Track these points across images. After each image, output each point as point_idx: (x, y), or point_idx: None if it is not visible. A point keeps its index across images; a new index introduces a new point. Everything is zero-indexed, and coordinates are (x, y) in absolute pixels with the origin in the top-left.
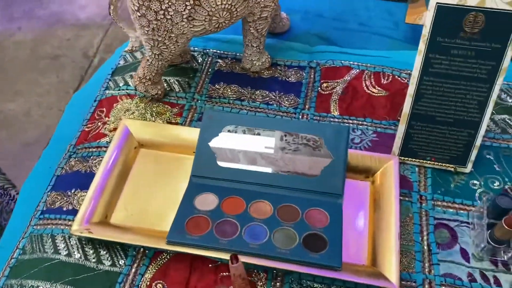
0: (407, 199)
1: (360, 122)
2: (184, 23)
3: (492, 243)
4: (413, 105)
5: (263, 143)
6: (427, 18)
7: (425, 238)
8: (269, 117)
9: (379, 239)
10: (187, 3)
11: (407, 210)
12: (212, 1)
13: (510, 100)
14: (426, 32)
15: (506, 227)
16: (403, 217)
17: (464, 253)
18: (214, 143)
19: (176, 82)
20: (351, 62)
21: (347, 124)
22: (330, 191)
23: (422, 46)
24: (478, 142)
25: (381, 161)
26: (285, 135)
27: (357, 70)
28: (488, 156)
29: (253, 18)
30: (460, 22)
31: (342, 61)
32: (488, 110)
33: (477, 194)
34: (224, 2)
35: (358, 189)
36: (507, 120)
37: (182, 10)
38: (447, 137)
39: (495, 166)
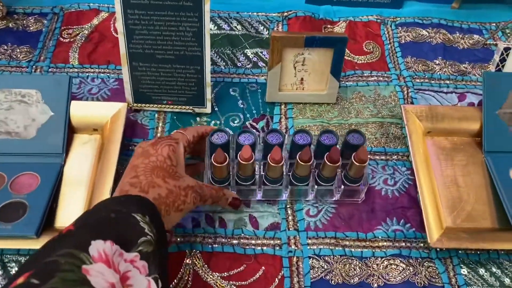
0: None
1: (102, 70)
2: None
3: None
4: (128, 44)
5: None
6: None
7: None
8: None
9: (96, 191)
10: None
11: None
12: None
13: (266, 33)
14: None
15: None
16: None
17: None
18: None
19: None
20: (100, 5)
21: (68, 74)
22: (49, 151)
23: None
24: (208, 78)
25: (109, 111)
26: None
27: (107, 13)
28: (233, 93)
29: None
30: None
31: (90, 4)
32: (207, 41)
33: None
34: None
35: (88, 144)
36: (260, 54)
37: None
38: (175, 76)
39: (239, 103)
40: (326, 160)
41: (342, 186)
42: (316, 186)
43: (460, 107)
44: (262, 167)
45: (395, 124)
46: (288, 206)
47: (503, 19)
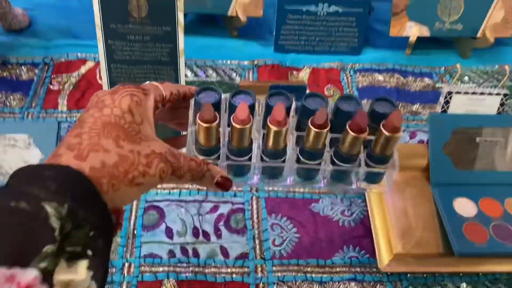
0: None
1: None
2: None
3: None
4: None
5: None
6: (94, 4)
7: (132, 222)
8: None
9: None
10: None
11: None
12: None
13: (238, 79)
14: (97, 19)
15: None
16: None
17: (168, 231)
18: None
19: None
20: (87, 54)
21: (57, 119)
22: None
23: (99, 33)
24: None
25: None
26: None
27: (93, 62)
28: None
29: None
30: (125, 6)
31: (78, 54)
32: None
33: None
34: None
35: None
36: None
37: None
38: None
39: None
40: (348, 129)
41: (365, 167)
42: (331, 166)
43: (410, 145)
44: (261, 140)
45: None
46: (256, 237)
47: (451, 63)
